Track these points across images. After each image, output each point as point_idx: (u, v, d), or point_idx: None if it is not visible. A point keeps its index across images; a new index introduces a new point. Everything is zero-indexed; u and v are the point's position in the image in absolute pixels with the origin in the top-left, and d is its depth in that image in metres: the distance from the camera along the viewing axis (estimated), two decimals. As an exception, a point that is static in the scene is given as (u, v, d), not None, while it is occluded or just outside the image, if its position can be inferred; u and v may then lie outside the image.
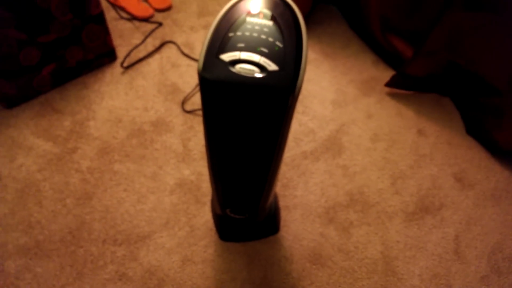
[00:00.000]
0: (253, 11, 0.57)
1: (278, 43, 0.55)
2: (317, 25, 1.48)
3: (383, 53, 1.38)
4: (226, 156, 0.70)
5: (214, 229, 1.01)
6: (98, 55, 1.24)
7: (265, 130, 0.62)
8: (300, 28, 0.57)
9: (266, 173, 0.73)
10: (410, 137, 1.22)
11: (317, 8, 1.53)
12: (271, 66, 0.54)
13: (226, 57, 0.54)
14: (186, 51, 1.36)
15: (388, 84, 1.29)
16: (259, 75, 0.53)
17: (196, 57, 1.34)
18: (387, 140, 1.21)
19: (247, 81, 0.54)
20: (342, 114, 1.25)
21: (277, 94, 0.55)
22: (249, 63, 0.54)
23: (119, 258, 0.96)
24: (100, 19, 1.16)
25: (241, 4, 0.59)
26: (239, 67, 0.54)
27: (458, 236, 1.05)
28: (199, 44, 1.39)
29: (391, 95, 1.31)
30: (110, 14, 1.43)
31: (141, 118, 1.19)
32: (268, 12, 0.57)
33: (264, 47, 0.55)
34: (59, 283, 0.92)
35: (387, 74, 1.35)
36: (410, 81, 1.27)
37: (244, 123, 0.61)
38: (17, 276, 0.92)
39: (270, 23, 0.56)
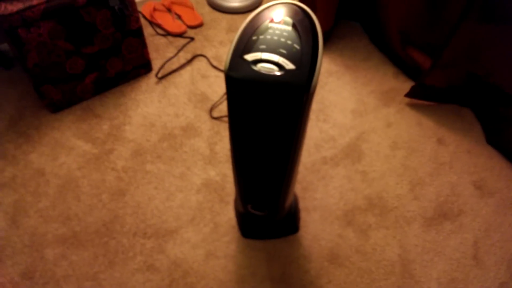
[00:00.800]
0: (276, 19, 0.65)
1: (296, 45, 0.62)
2: (339, 40, 1.55)
3: (403, 65, 1.43)
4: (248, 153, 0.76)
5: (236, 226, 1.07)
6: (135, 66, 1.36)
7: (282, 124, 0.68)
8: (317, 33, 0.64)
9: (285, 169, 0.79)
10: (429, 145, 1.25)
11: (339, 23, 1.60)
12: (289, 65, 0.60)
13: (249, 57, 0.62)
14: (215, 63, 1.46)
15: (407, 95, 1.33)
16: (278, 73, 0.60)
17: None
18: (406, 148, 1.24)
19: (267, 78, 0.60)
20: (362, 123, 1.30)
21: (294, 90, 0.61)
22: (269, 62, 0.61)
23: (148, 250, 1.03)
24: (139, 33, 1.27)
25: (265, 12, 0.66)
26: (260, 66, 0.61)
27: (477, 242, 1.06)
28: (227, 57, 1.48)
29: (411, 106, 1.35)
30: (147, 31, 1.56)
31: (172, 124, 1.28)
32: (289, 20, 0.64)
33: (283, 48, 0.62)
34: (92, 271, 0.99)
35: (407, 85, 1.39)
36: (429, 92, 1.30)
37: (264, 118, 0.67)
38: (55, 263, 1.00)
39: (290, 28, 0.63)
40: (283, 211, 0.95)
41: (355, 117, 1.31)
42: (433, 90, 1.30)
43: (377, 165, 1.20)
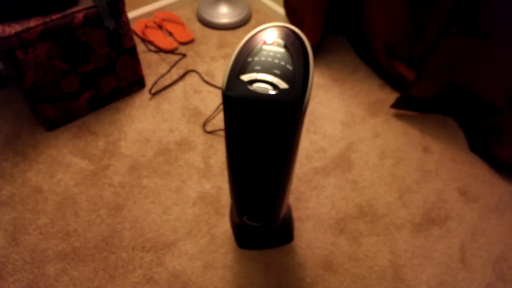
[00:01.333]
0: (269, 41, 0.69)
1: (288, 66, 0.66)
2: (326, 54, 1.60)
3: (388, 77, 1.49)
4: (244, 166, 0.80)
5: (233, 237, 1.10)
6: (129, 83, 1.39)
7: (277, 139, 0.72)
8: (308, 54, 0.68)
9: (279, 181, 0.82)
10: (416, 154, 1.30)
11: (326, 38, 1.66)
12: (282, 85, 0.65)
13: (245, 77, 0.66)
14: (207, 78, 1.50)
15: (393, 106, 1.39)
16: (272, 92, 0.64)
17: (216, 84, 1.48)
18: (394, 157, 1.29)
19: (262, 97, 0.65)
20: (351, 134, 1.35)
21: (287, 108, 0.65)
22: (264, 82, 0.65)
23: (147, 263, 1.05)
24: (133, 51, 1.31)
25: (258, 35, 0.71)
26: (256, 85, 0.65)
27: (463, 246, 1.11)
28: (219, 72, 1.52)
29: (397, 116, 1.40)
30: (139, 47, 1.59)
31: (167, 138, 1.31)
32: (281, 41, 0.69)
33: (277, 69, 0.66)
34: (93, 285, 1.01)
35: (393, 96, 1.45)
36: (414, 103, 1.36)
37: (260, 134, 0.71)
38: (56, 279, 1.02)
39: (283, 50, 0.68)
40: (278, 221, 0.99)
41: (344, 128, 1.36)
42: (417, 100, 1.36)
43: (367, 174, 1.25)
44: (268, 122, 0.69)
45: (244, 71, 0.66)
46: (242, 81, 0.65)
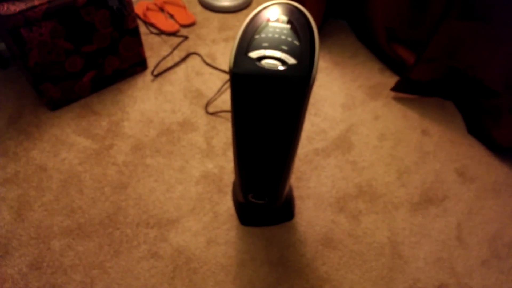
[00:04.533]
0: (273, 18, 0.70)
1: (295, 42, 0.68)
2: (327, 38, 1.61)
3: (388, 61, 1.50)
4: (251, 144, 0.82)
5: (235, 215, 1.12)
6: (132, 64, 1.40)
7: (285, 115, 0.74)
8: (313, 29, 0.70)
9: (285, 158, 0.84)
10: (414, 136, 1.33)
11: (327, 22, 1.67)
12: (291, 60, 0.66)
13: (254, 54, 0.67)
14: (208, 61, 1.51)
15: (393, 89, 1.40)
16: (281, 67, 0.65)
17: (218, 66, 1.49)
18: (393, 139, 1.31)
19: (272, 73, 0.66)
20: (351, 116, 1.37)
21: (297, 83, 0.67)
22: (272, 58, 0.66)
23: (151, 239, 1.07)
24: (135, 32, 1.32)
25: (262, 13, 0.72)
26: (265, 62, 0.66)
27: (460, 224, 1.14)
28: (220, 54, 1.53)
29: (397, 99, 1.42)
30: (141, 30, 1.60)
31: (169, 119, 1.32)
32: (286, 18, 0.70)
33: (284, 45, 0.67)
34: (98, 260, 1.03)
35: (393, 80, 1.47)
36: (414, 86, 1.38)
37: (268, 111, 0.73)
38: (61, 254, 1.04)
39: (288, 26, 0.69)
40: (281, 198, 1.01)
41: (344, 110, 1.38)
42: (417, 84, 1.37)
43: (366, 155, 1.27)
44: (277, 98, 0.70)
45: (252, 48, 0.67)
46: (250, 58, 0.66)
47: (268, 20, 0.70)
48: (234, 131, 0.80)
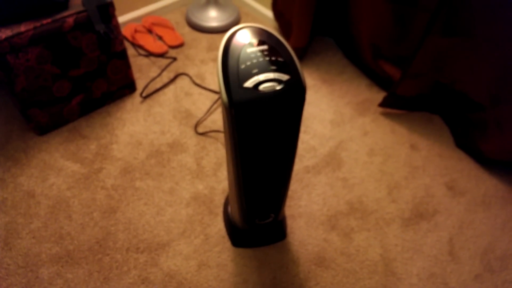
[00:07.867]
0: (248, 43, 0.68)
1: (279, 58, 0.68)
2: (315, 55, 1.63)
3: (375, 77, 1.52)
4: (257, 170, 0.82)
5: (226, 236, 1.11)
6: (120, 87, 1.40)
7: (288, 129, 0.74)
8: (283, 42, 0.71)
9: (289, 172, 0.86)
10: (403, 151, 1.33)
11: (314, 40, 1.69)
12: (285, 77, 0.67)
13: (249, 84, 0.66)
14: (197, 81, 1.51)
15: (381, 105, 1.42)
16: (279, 86, 0.66)
17: (207, 86, 1.49)
18: (383, 154, 1.32)
19: (275, 94, 0.67)
20: (340, 132, 1.37)
21: (297, 94, 0.68)
22: (268, 81, 0.67)
23: (141, 264, 1.06)
24: (123, 55, 1.32)
25: (233, 41, 0.69)
26: (262, 87, 0.66)
27: (452, 239, 1.14)
28: (209, 74, 1.54)
29: (385, 115, 1.44)
30: (130, 52, 1.60)
31: (159, 141, 1.32)
32: (257, 40, 0.69)
33: (272, 65, 0.68)
34: (88, 287, 1.01)
35: (380, 95, 1.48)
36: (401, 101, 1.39)
37: (273, 131, 0.73)
38: (50, 282, 1.02)
39: (266, 47, 0.69)
40: (283, 212, 1.01)
41: (333, 127, 1.39)
42: (404, 99, 1.39)
43: (356, 172, 1.27)
44: (281, 115, 0.71)
45: (245, 79, 0.66)
46: (248, 89, 0.66)
47: (243, 46, 0.69)
48: (238, 161, 0.79)
